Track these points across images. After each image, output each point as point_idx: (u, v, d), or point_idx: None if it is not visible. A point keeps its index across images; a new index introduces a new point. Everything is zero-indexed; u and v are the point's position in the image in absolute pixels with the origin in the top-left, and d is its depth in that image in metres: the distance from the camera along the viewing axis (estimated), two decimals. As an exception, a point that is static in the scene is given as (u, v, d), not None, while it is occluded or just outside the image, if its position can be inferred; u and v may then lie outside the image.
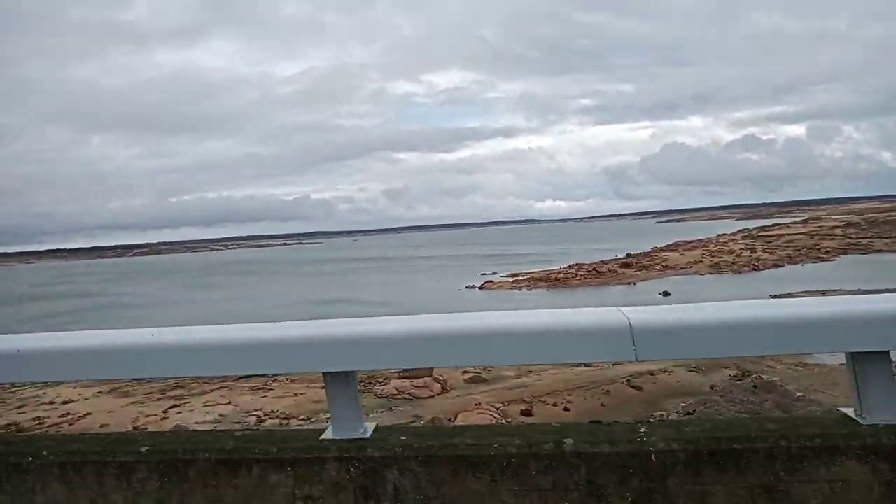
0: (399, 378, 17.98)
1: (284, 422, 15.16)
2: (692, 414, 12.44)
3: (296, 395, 17.13)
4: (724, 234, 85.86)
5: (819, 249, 63.09)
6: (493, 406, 15.21)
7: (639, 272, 56.75)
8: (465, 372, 18.71)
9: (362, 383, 17.87)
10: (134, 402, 17.30)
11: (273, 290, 78.38)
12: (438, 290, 59.82)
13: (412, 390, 16.73)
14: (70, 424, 15.63)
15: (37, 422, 15.99)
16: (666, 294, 44.65)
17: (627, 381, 17.70)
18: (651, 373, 18.34)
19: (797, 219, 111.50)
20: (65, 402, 17.62)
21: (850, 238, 67.81)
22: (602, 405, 16.35)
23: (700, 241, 77.64)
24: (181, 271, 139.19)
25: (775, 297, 39.28)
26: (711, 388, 17.43)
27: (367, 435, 2.23)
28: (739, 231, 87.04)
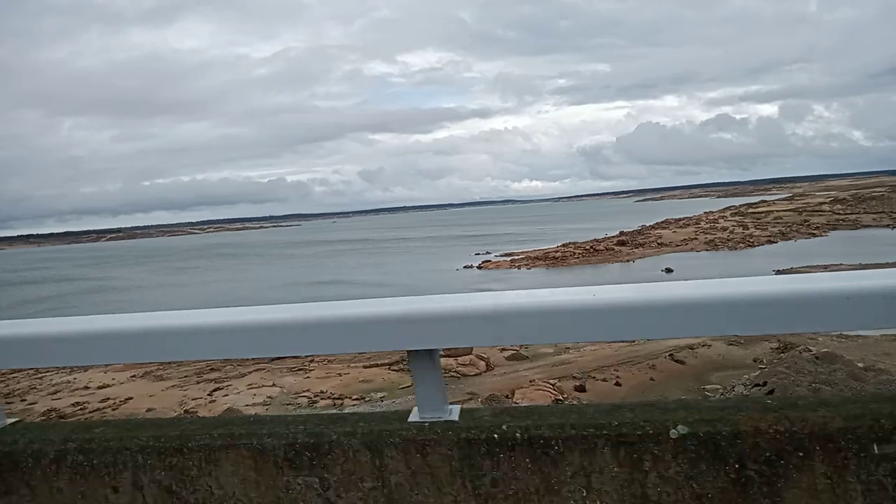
0: (442, 356, 17.79)
1: (338, 402, 14.95)
2: (762, 386, 12.41)
3: (339, 375, 16.88)
4: (711, 212, 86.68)
5: (809, 225, 64.00)
6: (547, 382, 15.11)
7: (635, 250, 57.07)
8: (504, 350, 18.59)
9: (402, 362, 17.68)
10: (174, 386, 16.91)
11: (264, 272, 77.66)
12: (435, 270, 59.66)
13: (459, 368, 16.58)
14: (114, 409, 15.23)
15: (77, 408, 15.56)
16: (669, 271, 44.99)
17: (670, 355, 17.73)
18: (691, 347, 18.40)
19: (782, 196, 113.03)
20: (100, 387, 17.17)
21: (838, 214, 68.90)
22: (651, 379, 16.37)
23: (690, 218, 78.24)
24: (161, 255, 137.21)
25: (779, 272, 39.85)
26: (754, 360, 17.55)
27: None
28: (727, 208, 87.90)
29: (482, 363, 17.12)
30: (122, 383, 17.51)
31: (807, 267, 40.14)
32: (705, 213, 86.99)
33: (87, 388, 17.25)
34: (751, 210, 78.99)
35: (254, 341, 2.17)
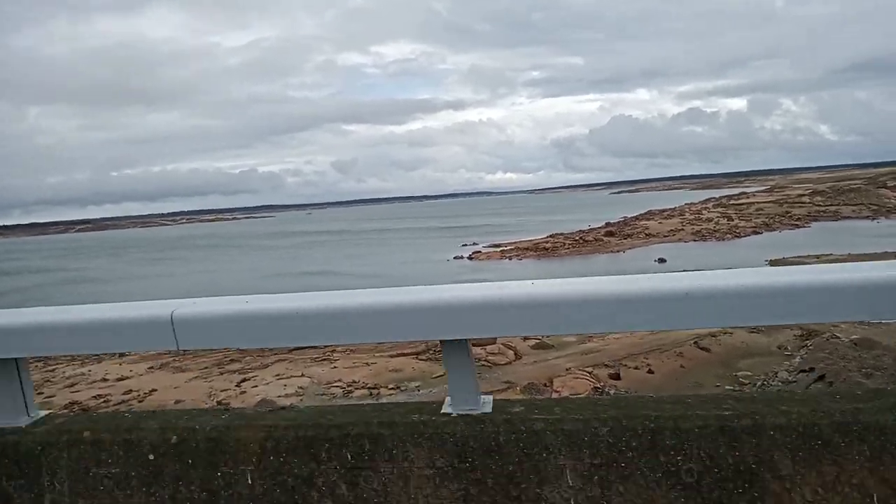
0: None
1: (374, 391, 14.70)
2: (808, 372, 12.47)
3: (367, 364, 16.62)
4: (692, 203, 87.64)
5: (791, 217, 65.08)
6: (583, 370, 15.04)
7: (623, 241, 57.44)
8: (527, 338, 18.49)
9: (429, 351, 17.48)
10: (196, 377, 16.50)
11: (246, 262, 76.61)
12: (424, 261, 59.37)
13: (489, 357, 16.43)
14: (140, 402, 14.79)
15: (100, 400, 15.08)
16: (662, 261, 45.33)
17: (695, 343, 17.78)
18: (713, 335, 18.47)
19: (757, 188, 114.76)
20: (119, 379, 16.69)
21: (818, 206, 70.16)
22: (682, 367, 16.40)
23: (673, 209, 79.04)
24: (135, 246, 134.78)
25: (772, 262, 40.40)
26: (778, 348, 17.69)
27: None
28: (708, 200, 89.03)
29: (510, 352, 17.00)
30: (140, 375, 17.04)
31: (798, 257, 40.72)
32: (687, 204, 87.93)
33: (104, 380, 16.75)
34: (732, 202, 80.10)
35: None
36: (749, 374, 15.75)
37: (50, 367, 17.99)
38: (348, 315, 2.08)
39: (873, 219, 62.48)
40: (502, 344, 17.46)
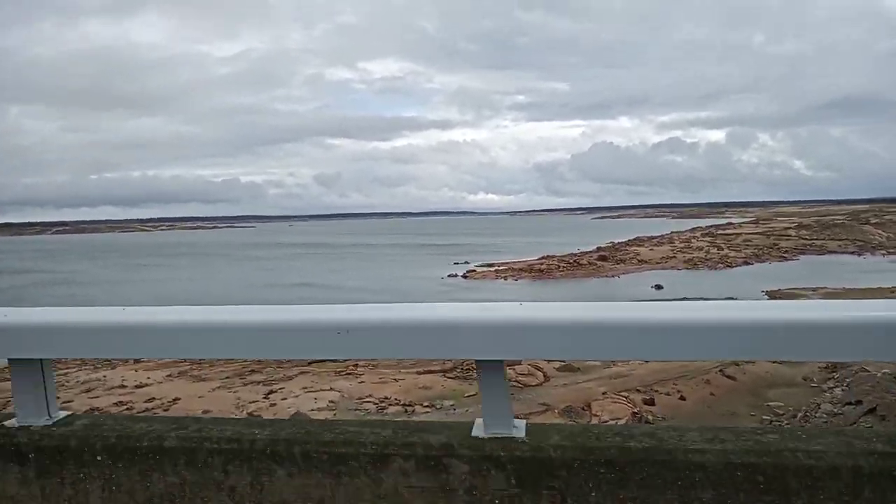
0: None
1: (409, 408, 14.42)
2: (854, 405, 12.45)
3: (395, 380, 16.35)
4: (679, 232, 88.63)
5: (779, 249, 66.03)
6: (620, 395, 14.91)
7: (617, 266, 57.76)
8: (550, 360, 18.35)
9: (456, 369, 17.25)
10: (219, 387, 16.09)
11: (233, 272, 75.63)
12: (417, 277, 59.05)
13: (519, 378, 16.24)
14: (165, 410, 14.35)
15: (123, 407, 14.62)
16: (659, 287, 45.57)
17: (720, 370, 17.77)
18: (736, 364, 18.47)
19: (737, 219, 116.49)
20: (139, 386, 16.20)
21: (805, 239, 71.33)
22: (711, 394, 16.36)
23: (663, 237, 79.83)
24: (115, 251, 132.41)
25: (768, 293, 40.81)
26: (804, 379, 17.74)
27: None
28: (696, 229, 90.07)
29: (539, 374, 16.84)
30: (160, 383, 16.57)
31: (793, 289, 41.21)
32: (674, 232, 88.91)
33: (122, 386, 16.26)
34: (720, 232, 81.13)
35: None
36: (781, 404, 15.76)
37: (62, 371, 17.42)
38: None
39: (859, 254, 63.66)
40: (530, 365, 17.30)
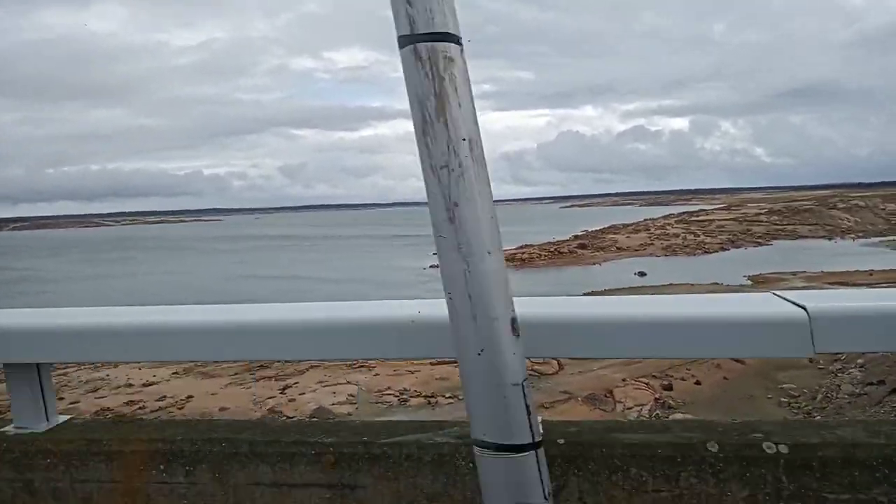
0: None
1: (432, 400, 14.23)
2: (876, 385, 12.64)
3: (411, 372, 16.12)
4: (653, 219, 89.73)
5: (753, 235, 67.31)
6: (640, 381, 14.92)
7: (597, 253, 58.22)
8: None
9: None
10: (230, 383, 15.69)
11: (208, 265, 74.29)
12: (397, 268, 58.74)
13: (536, 367, 16.15)
14: (179, 409, 13.92)
15: (135, 407, 14.14)
16: (642, 274, 46.03)
17: (729, 355, 17.94)
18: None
19: (713, 206, 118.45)
20: (146, 385, 15.69)
21: (776, 225, 72.82)
22: (725, 378, 16.50)
23: (638, 224, 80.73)
24: (79, 247, 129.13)
25: (751, 278, 41.52)
26: (810, 361, 17.99)
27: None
28: (669, 216, 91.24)
29: (553, 361, 16.76)
30: (167, 381, 16.08)
31: (774, 273, 41.99)
32: (648, 220, 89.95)
33: (129, 385, 15.74)
34: (694, 218, 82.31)
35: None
36: (794, 386, 16.00)
37: (61, 371, 16.79)
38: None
39: (830, 238, 65.25)
40: (543, 353, 17.26)
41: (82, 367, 17.34)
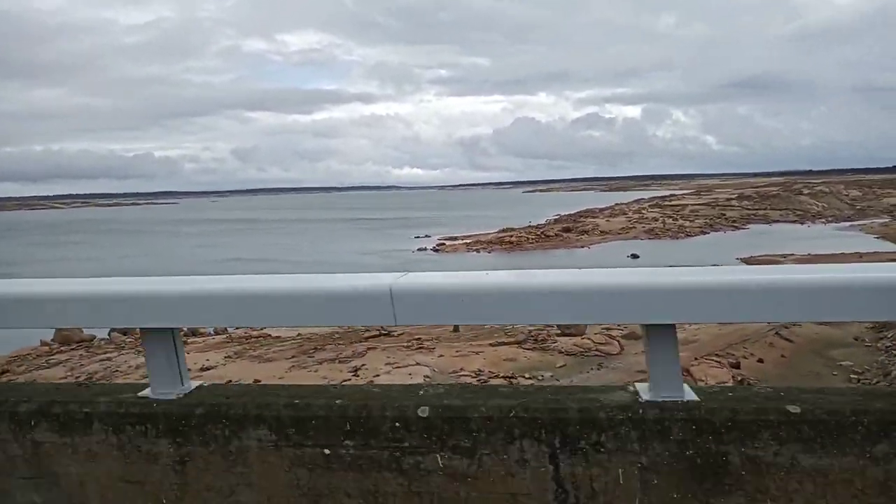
0: (560, 335, 17.18)
1: (513, 380, 13.98)
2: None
3: (476, 353, 15.83)
4: (626, 204, 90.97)
5: (728, 219, 68.78)
6: (711, 359, 14.95)
7: (581, 236, 58.65)
8: (606, 328, 18.24)
9: (529, 340, 16.87)
10: (293, 366, 15.15)
11: (172, 248, 72.04)
12: (380, 252, 58.00)
13: (599, 347, 16.06)
14: (252, 393, 13.29)
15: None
16: (635, 256, 46.52)
17: (777, 333, 18.16)
18: (786, 326, 18.96)
19: (685, 191, 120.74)
20: (204, 369, 15.02)
21: (748, 209, 74.60)
22: (782, 356, 16.69)
23: (614, 208, 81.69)
24: (25, 230, 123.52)
25: (744, 260, 42.36)
26: (855, 339, 18.37)
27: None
28: (640, 200, 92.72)
29: (615, 343, 16.70)
30: (223, 365, 15.45)
31: (766, 255, 42.97)
32: (618, 204, 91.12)
33: (188, 369, 14.95)
34: (667, 203, 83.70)
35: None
36: (851, 363, 16.26)
37: (106, 354, 15.98)
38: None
39: (802, 223, 67.22)
40: (602, 334, 17.14)
41: (127, 351, 16.57)
